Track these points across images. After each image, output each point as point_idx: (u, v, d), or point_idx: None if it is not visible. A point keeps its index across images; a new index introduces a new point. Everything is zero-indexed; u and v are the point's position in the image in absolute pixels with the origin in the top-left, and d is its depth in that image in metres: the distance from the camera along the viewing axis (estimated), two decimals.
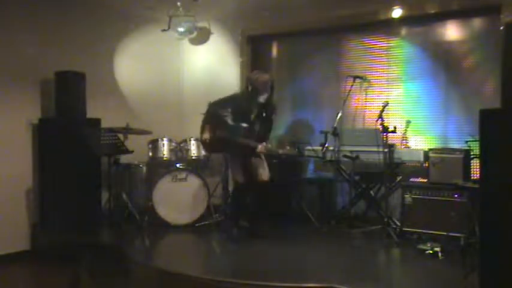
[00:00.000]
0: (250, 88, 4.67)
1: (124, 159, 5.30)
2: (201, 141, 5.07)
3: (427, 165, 4.64)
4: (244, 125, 4.64)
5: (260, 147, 4.61)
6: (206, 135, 4.81)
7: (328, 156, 5.10)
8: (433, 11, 5.01)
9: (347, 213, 5.23)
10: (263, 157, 4.78)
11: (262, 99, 4.66)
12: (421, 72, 5.24)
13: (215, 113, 4.81)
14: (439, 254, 4.03)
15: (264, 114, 4.74)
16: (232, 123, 4.68)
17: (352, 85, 5.17)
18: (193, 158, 5.60)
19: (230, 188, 5.77)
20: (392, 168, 4.80)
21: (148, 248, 4.75)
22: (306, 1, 5.61)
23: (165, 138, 5.55)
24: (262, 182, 4.70)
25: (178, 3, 5.47)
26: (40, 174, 4.94)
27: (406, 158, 4.89)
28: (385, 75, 5.45)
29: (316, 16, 5.65)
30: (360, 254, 4.34)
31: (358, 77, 5.20)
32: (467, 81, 5.02)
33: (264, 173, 4.72)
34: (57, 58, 5.09)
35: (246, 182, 4.69)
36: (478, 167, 4.10)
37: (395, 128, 4.70)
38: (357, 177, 5.18)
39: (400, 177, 4.89)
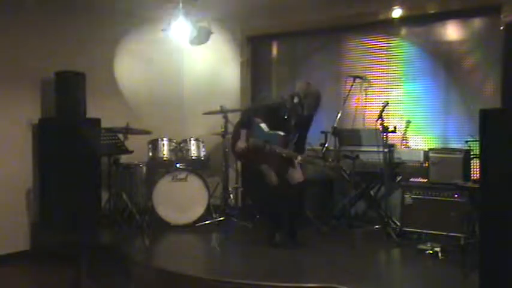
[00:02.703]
0: (297, 99, 4.38)
1: (124, 159, 5.30)
2: (236, 151, 4.62)
3: (427, 165, 4.65)
4: (281, 133, 4.39)
5: (300, 158, 4.29)
6: (242, 144, 4.51)
7: (328, 156, 5.09)
8: (433, 11, 5.01)
9: (347, 213, 5.23)
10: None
11: (307, 112, 4.41)
12: (421, 72, 5.24)
13: (249, 119, 4.56)
14: (439, 254, 4.03)
15: (300, 125, 4.49)
16: (269, 131, 4.45)
17: (352, 85, 5.17)
18: (193, 158, 5.59)
19: (230, 188, 5.78)
20: (392, 168, 4.80)
21: (148, 248, 4.75)
22: (306, 1, 5.61)
23: (165, 138, 5.55)
24: (297, 184, 4.44)
25: (181, 6, 5.45)
26: (40, 174, 4.94)
27: (406, 158, 4.89)
28: (385, 75, 5.46)
29: (316, 16, 5.66)
30: (360, 254, 4.34)
31: (358, 77, 5.20)
32: (467, 81, 5.02)
33: (297, 174, 4.45)
34: (57, 58, 5.09)
35: (280, 185, 4.44)
36: (478, 167, 4.10)
37: (395, 128, 4.70)
38: (357, 177, 5.18)
39: (400, 177, 4.89)
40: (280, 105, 4.52)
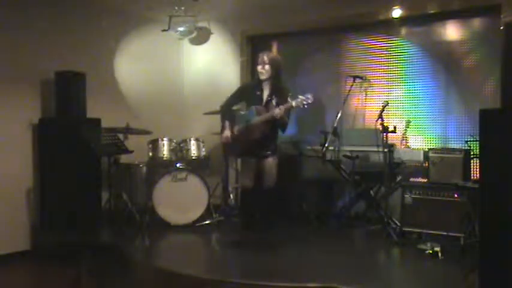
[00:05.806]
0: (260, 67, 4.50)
1: (124, 159, 5.30)
2: (222, 142, 4.75)
3: (427, 165, 4.65)
4: (255, 106, 4.44)
5: (277, 111, 4.25)
6: (226, 133, 4.62)
7: (328, 156, 5.10)
8: (433, 11, 5.01)
9: (347, 213, 5.23)
10: (274, 160, 4.51)
11: (260, 75, 4.46)
12: (421, 72, 5.24)
13: (227, 110, 4.70)
14: (439, 254, 4.03)
15: (276, 99, 4.46)
16: (245, 112, 4.57)
17: (352, 85, 5.18)
18: (193, 158, 5.59)
19: (230, 188, 5.78)
20: (392, 168, 4.80)
21: (148, 248, 4.75)
22: (306, 1, 5.61)
23: (165, 138, 5.55)
24: (267, 188, 4.48)
25: (182, 8, 5.46)
26: (40, 174, 4.94)
27: (406, 158, 4.89)
28: (385, 75, 5.45)
29: (316, 16, 5.65)
30: (360, 254, 4.34)
31: (358, 77, 5.21)
32: (467, 81, 5.02)
33: (270, 179, 4.48)
34: (57, 58, 5.09)
35: (254, 186, 4.51)
36: (478, 167, 4.10)
37: (395, 128, 4.71)
38: (356, 177, 5.18)
39: (400, 177, 4.89)
40: (251, 82, 4.66)
